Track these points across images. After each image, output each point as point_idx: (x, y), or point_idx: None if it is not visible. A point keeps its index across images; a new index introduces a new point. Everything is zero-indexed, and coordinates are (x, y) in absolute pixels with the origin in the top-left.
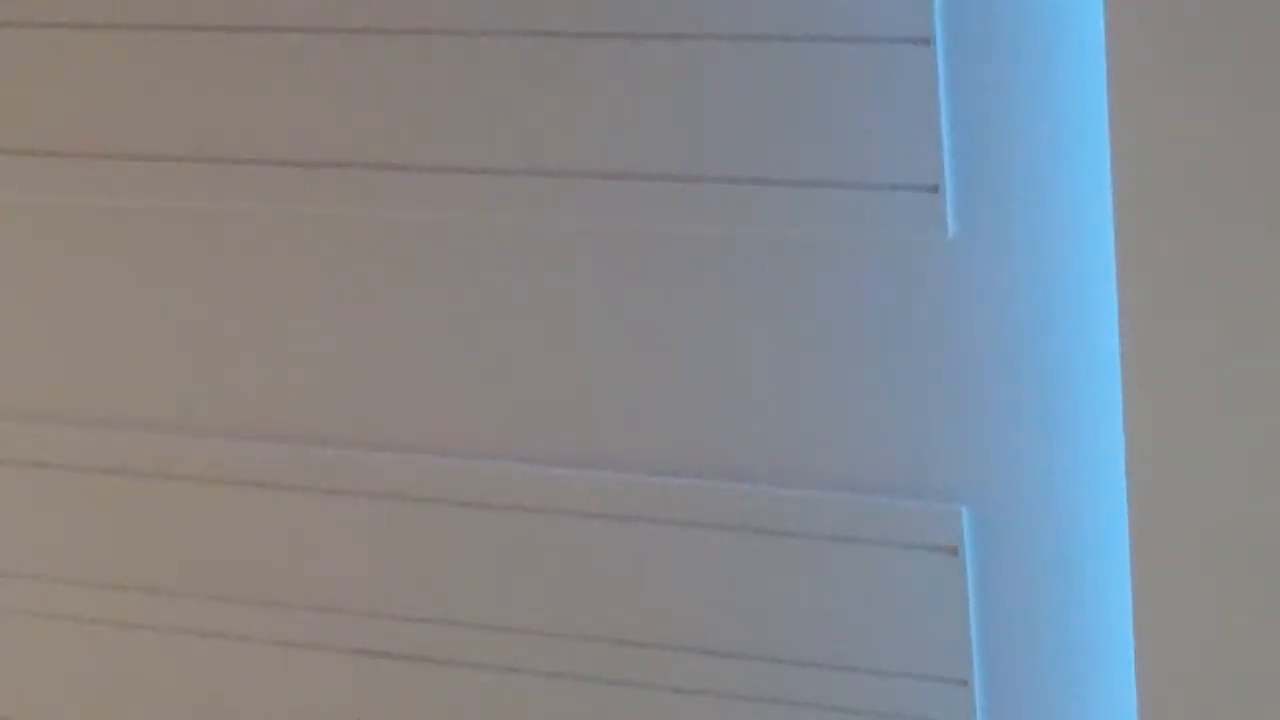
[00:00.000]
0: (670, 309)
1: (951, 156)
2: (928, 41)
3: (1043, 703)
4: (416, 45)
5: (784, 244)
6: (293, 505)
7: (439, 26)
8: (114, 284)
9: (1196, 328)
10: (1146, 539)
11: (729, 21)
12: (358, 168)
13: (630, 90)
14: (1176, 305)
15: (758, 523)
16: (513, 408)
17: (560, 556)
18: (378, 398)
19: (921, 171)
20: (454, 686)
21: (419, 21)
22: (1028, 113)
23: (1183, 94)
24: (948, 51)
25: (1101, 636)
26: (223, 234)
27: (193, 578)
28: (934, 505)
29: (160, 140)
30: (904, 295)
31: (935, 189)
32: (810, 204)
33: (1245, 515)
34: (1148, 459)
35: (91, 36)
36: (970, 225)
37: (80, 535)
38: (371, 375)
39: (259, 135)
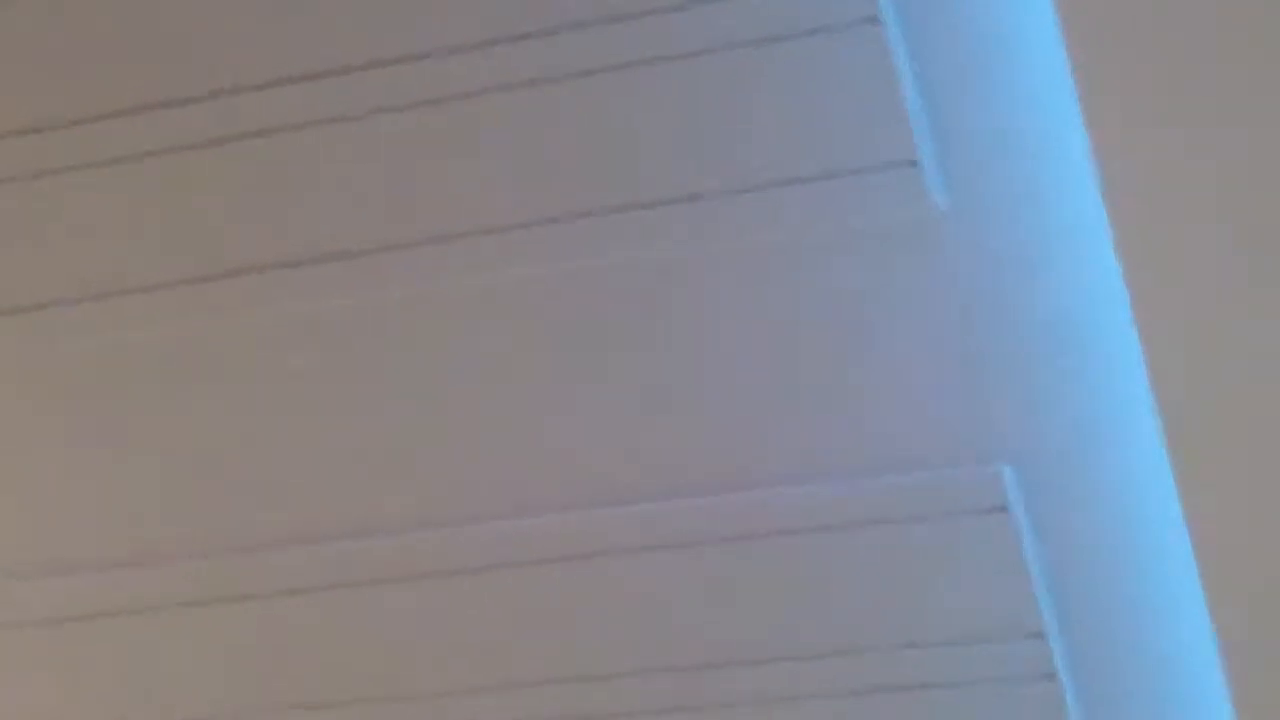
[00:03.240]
0: (689, 322)
1: (928, 130)
2: (875, 19)
3: (1121, 642)
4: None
5: (787, 244)
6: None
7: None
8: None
9: (1198, 255)
10: (1189, 469)
11: (675, 42)
12: (341, 258)
13: (588, 126)
14: (1176, 240)
15: (817, 522)
16: (539, 463)
17: (626, 592)
18: (404, 484)
19: (894, 147)
20: None
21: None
22: (993, 76)
23: (1147, 40)
24: (899, 24)
25: (1168, 569)
26: (233, 350)
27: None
28: (975, 469)
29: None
30: (913, 273)
31: (914, 163)
32: (795, 201)
33: None
34: (1173, 390)
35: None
36: (961, 196)
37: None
38: (394, 463)
39: (237, 242)
